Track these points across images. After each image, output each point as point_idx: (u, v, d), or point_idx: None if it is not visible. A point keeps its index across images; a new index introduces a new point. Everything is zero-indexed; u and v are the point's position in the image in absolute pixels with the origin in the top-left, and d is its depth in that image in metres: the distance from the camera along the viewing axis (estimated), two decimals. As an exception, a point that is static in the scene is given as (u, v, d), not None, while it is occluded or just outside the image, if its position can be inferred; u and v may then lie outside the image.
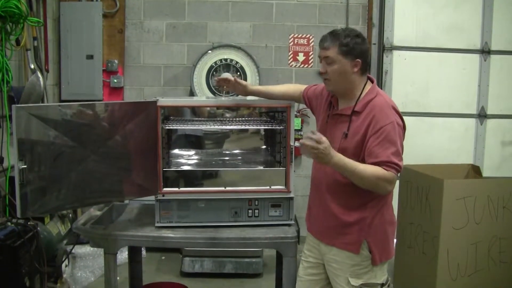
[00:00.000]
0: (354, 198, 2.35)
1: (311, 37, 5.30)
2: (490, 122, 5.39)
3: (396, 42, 5.30)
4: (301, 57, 5.30)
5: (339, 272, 2.41)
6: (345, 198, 2.38)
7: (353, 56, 2.31)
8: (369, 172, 2.22)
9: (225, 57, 4.95)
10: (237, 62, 4.94)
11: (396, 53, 5.31)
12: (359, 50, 2.32)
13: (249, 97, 2.86)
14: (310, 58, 5.31)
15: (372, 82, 2.44)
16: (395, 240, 2.65)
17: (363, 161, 2.29)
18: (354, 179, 2.26)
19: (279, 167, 2.92)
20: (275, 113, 3.04)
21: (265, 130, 3.28)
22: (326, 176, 2.42)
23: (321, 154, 2.17)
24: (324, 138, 2.18)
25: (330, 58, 2.33)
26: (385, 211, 2.39)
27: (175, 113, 3.09)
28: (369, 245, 2.34)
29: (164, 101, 2.72)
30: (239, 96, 2.92)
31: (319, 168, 2.47)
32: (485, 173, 4.45)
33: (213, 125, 3.06)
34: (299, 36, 5.30)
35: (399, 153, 2.27)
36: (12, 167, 3.48)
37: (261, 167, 3.07)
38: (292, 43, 5.31)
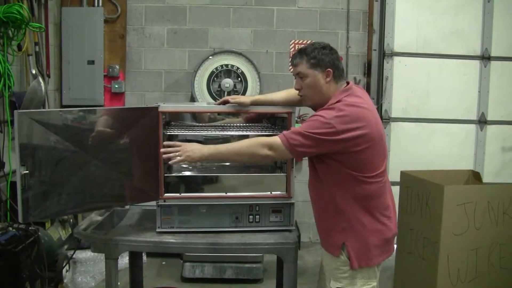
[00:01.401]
0: (328, 204, 2.40)
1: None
2: (490, 128, 5.40)
3: (397, 48, 5.31)
4: (301, 63, 5.31)
5: (327, 273, 2.49)
6: (323, 203, 2.44)
7: (323, 67, 2.37)
8: (246, 143, 2.43)
9: (226, 62, 4.96)
10: (238, 68, 4.95)
11: (396, 59, 5.32)
12: (327, 60, 2.38)
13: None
14: (310, 63, 5.32)
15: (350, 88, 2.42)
16: (395, 246, 2.64)
17: (318, 158, 2.37)
18: (235, 158, 2.54)
19: (280, 172, 2.93)
20: (276, 118, 3.05)
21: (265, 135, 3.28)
22: (310, 181, 2.52)
23: (186, 154, 2.42)
24: (178, 143, 2.50)
25: (301, 73, 2.41)
26: (369, 221, 2.36)
27: (176, 118, 3.09)
28: (347, 249, 2.36)
29: (165, 106, 2.73)
30: None
31: (309, 174, 2.52)
32: (485, 179, 4.45)
33: (214, 130, 3.06)
34: (300, 42, 5.31)
35: (300, 134, 2.27)
36: (13, 172, 3.49)
37: (262, 173, 3.07)
38: (293, 49, 5.32)
